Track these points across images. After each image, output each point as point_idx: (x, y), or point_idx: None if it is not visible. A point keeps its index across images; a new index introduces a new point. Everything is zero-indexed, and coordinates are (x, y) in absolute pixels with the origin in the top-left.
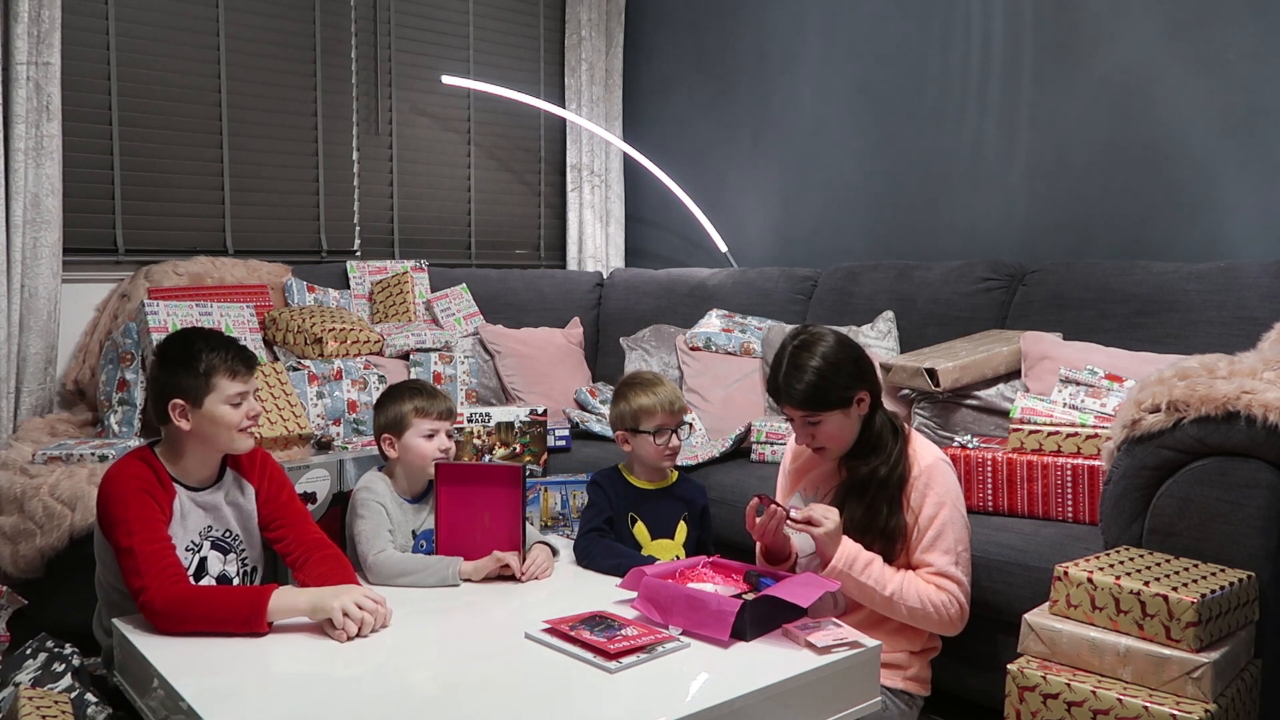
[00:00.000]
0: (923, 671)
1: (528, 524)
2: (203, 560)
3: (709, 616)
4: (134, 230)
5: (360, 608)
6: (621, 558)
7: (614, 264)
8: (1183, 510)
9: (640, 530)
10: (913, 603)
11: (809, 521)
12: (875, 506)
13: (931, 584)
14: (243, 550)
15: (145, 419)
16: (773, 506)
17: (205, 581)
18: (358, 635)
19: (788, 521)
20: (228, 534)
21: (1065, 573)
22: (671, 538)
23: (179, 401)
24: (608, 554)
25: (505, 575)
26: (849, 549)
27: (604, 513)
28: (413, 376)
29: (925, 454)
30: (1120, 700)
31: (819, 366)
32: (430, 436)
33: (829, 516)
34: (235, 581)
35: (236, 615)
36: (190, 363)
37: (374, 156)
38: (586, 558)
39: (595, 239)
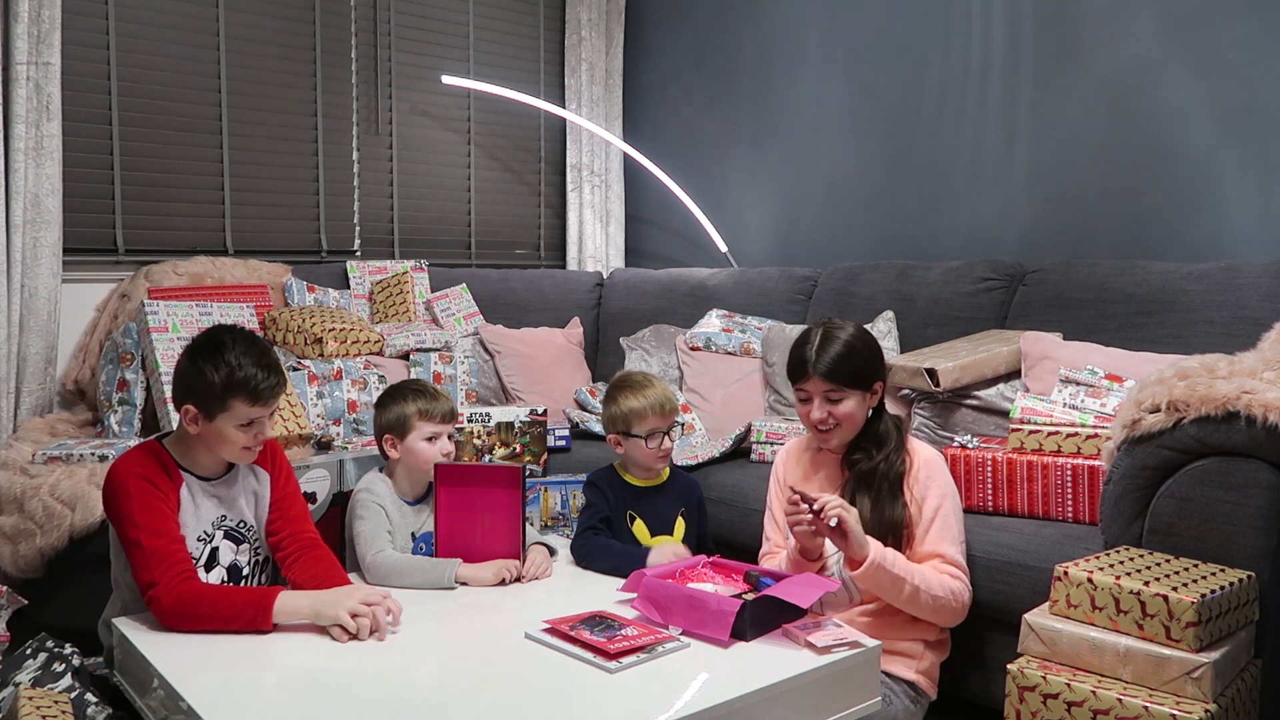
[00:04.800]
0: (933, 669)
1: (527, 524)
2: (214, 550)
3: (709, 616)
4: (134, 230)
5: (368, 604)
6: (620, 556)
7: (614, 264)
8: (1183, 510)
9: (639, 528)
10: (938, 592)
11: (837, 520)
12: (882, 499)
13: (945, 573)
14: (256, 540)
15: (145, 418)
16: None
17: (215, 571)
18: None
19: (815, 521)
20: (241, 524)
21: (1065, 573)
22: (670, 534)
23: (191, 408)
24: (605, 553)
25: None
26: (877, 544)
27: (601, 512)
28: (413, 376)
29: (923, 449)
30: (1120, 700)
31: (849, 341)
32: (432, 440)
33: (850, 510)
34: (245, 571)
35: (243, 615)
36: (213, 376)
37: (374, 156)
38: (585, 558)
39: (595, 239)
